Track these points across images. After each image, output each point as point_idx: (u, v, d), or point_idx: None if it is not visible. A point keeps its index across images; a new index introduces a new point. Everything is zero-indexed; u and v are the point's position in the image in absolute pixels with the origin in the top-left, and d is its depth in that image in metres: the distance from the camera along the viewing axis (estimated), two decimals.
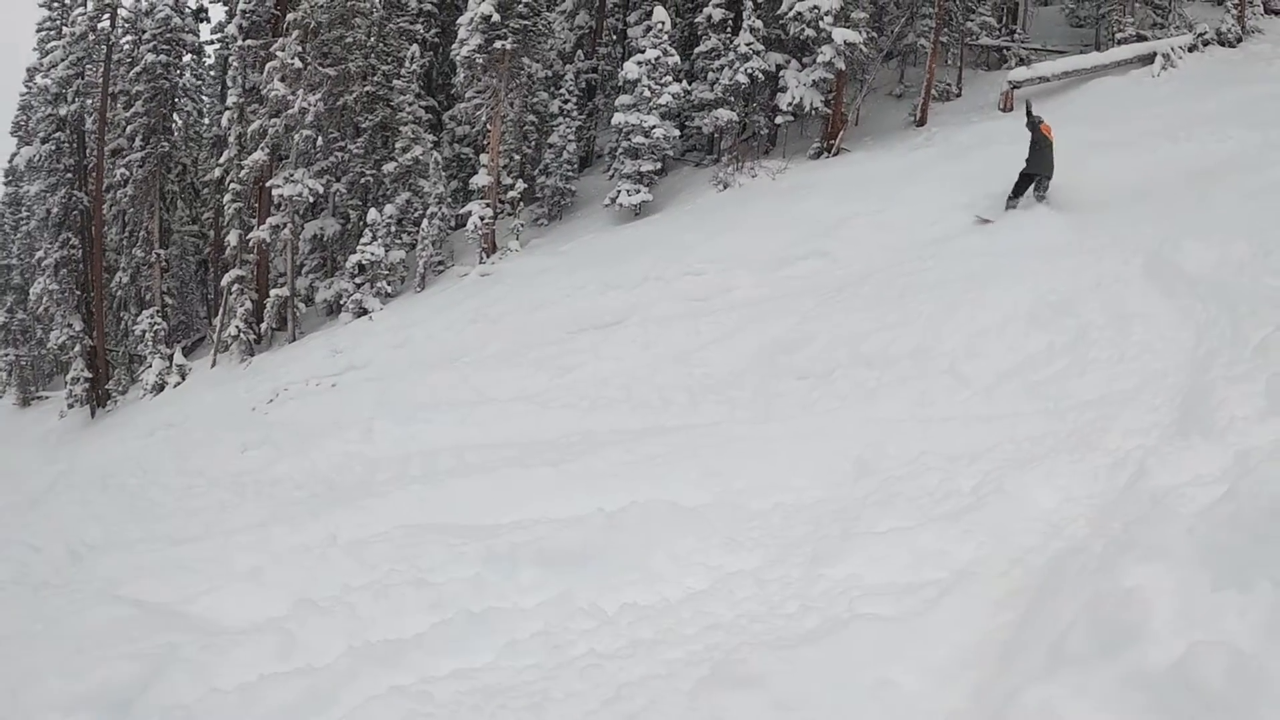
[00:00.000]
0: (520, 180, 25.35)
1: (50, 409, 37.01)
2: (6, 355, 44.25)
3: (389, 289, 24.38)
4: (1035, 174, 15.85)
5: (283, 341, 26.13)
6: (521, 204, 25.21)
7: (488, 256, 23.44)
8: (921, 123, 22.28)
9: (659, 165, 23.23)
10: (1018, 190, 15.92)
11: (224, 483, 15.07)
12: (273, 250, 27.41)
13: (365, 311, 23.81)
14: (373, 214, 24.98)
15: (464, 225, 24.09)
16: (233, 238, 27.90)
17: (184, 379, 28.24)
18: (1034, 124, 16.14)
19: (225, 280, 27.92)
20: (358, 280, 24.52)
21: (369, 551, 7.93)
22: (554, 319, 16.94)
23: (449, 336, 18.48)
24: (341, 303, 25.11)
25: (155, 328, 30.10)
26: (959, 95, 24.17)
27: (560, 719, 4.58)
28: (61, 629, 7.24)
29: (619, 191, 22.50)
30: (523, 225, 24.21)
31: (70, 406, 32.61)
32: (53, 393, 41.96)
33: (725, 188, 21.48)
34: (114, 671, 6.03)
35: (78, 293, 32.81)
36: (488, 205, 23.65)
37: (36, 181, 33.34)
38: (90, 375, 31.90)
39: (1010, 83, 21.66)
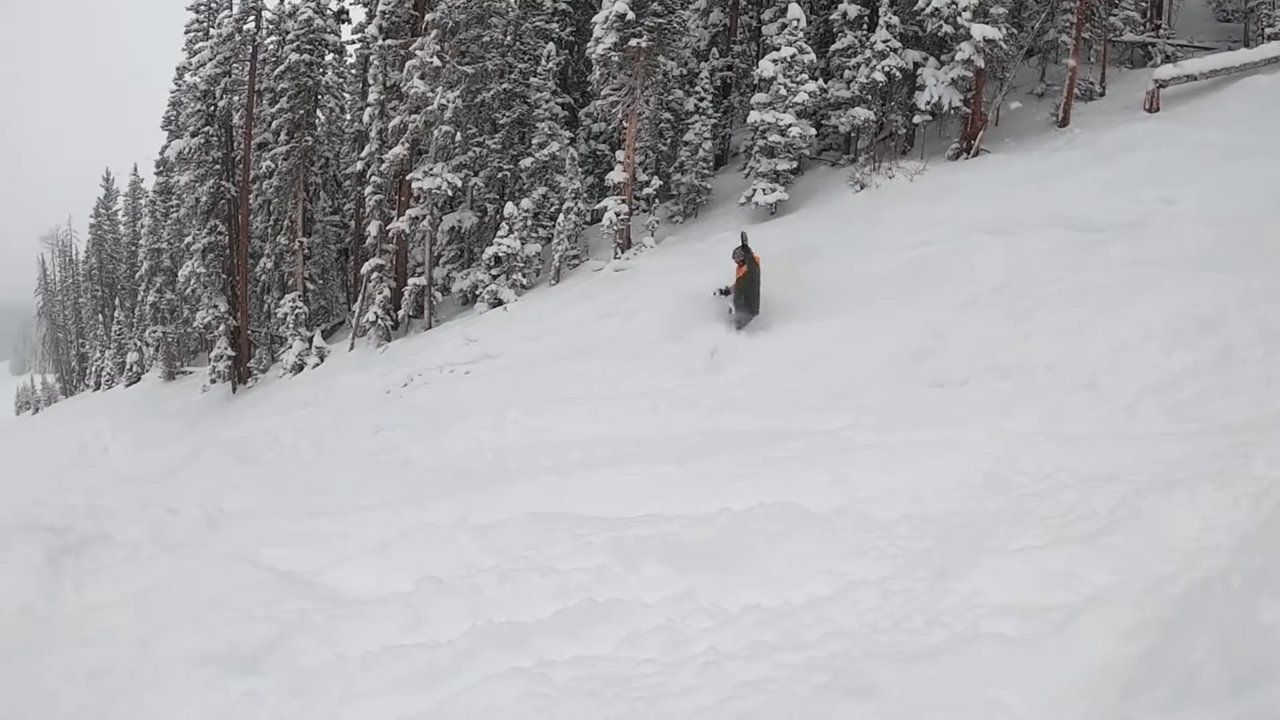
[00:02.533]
0: (656, 177, 25.60)
1: (193, 384, 38.49)
2: (155, 332, 46.16)
3: (524, 281, 24.71)
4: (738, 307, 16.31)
5: (419, 329, 26.73)
6: (657, 200, 25.42)
7: (622, 252, 23.70)
8: (1064, 123, 21.46)
9: (795, 164, 23.09)
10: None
11: (357, 461, 15.49)
12: (411, 241, 28.06)
13: (500, 302, 24.19)
14: (510, 207, 25.29)
15: (599, 220, 24.40)
16: (373, 228, 28.69)
17: (322, 361, 29.19)
18: (742, 258, 16.40)
19: (365, 268, 28.71)
20: (494, 271, 24.88)
21: (496, 535, 8.10)
22: (685, 319, 17.04)
23: (581, 330, 18.69)
24: (477, 293, 25.54)
25: (296, 311, 31.16)
26: (1102, 94, 23.35)
27: (674, 713, 4.67)
28: (196, 589, 7.51)
29: (754, 190, 22.42)
30: (658, 222, 24.39)
31: (213, 382, 34.26)
32: (196, 368, 43.63)
33: (862, 188, 21.16)
34: (244, 631, 6.32)
35: (224, 276, 34.29)
36: (623, 201, 23.89)
37: (186, 172, 34.68)
38: (233, 354, 33.35)
39: (1156, 81, 20.79)
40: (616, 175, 24.32)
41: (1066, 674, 4.25)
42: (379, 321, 27.28)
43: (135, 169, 66.64)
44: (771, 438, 10.99)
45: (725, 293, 16.81)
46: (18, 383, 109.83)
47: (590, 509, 8.87)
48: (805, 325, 15.14)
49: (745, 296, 16.17)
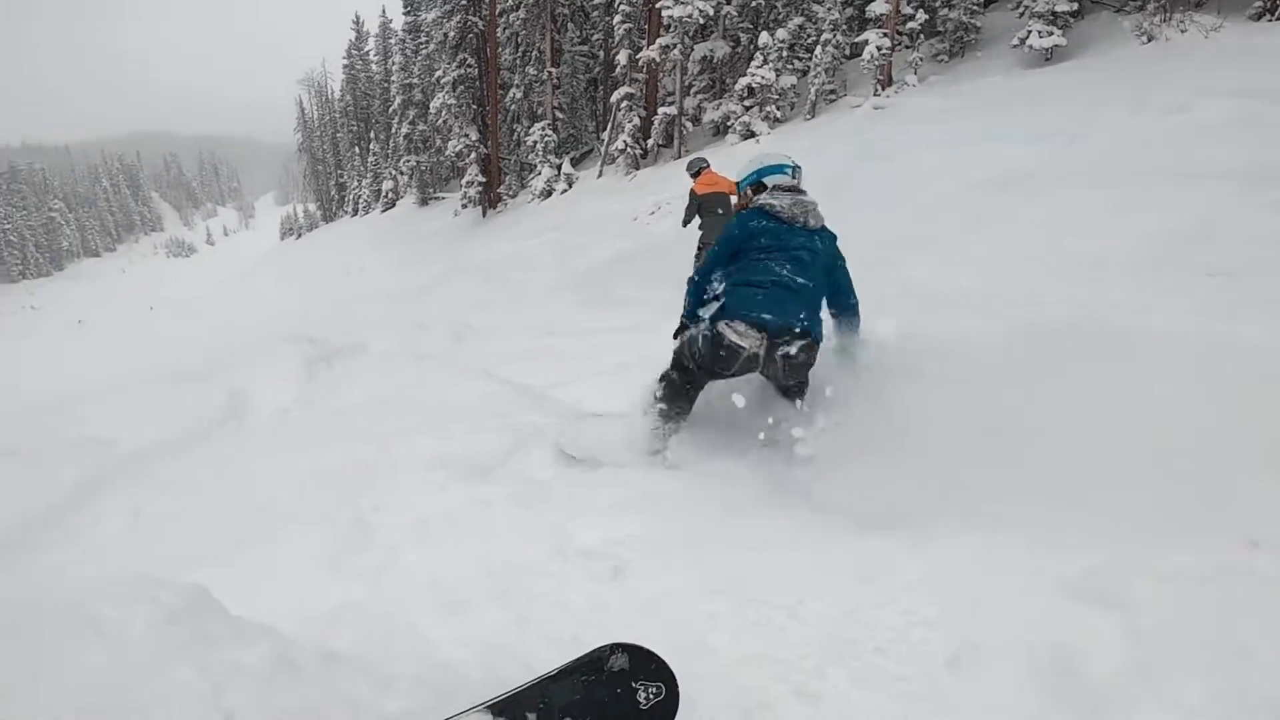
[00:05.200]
0: (921, 10, 24.27)
1: (445, 208, 40.18)
2: (408, 161, 48.06)
3: (777, 114, 24.04)
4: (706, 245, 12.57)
5: (667, 158, 26.61)
6: (921, 37, 24.10)
7: (882, 90, 22.60)
8: None
9: (1075, 6, 21.02)
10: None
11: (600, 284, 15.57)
12: (661, 70, 27.80)
13: (752, 135, 23.69)
14: (764, 37, 24.55)
15: (858, 55, 23.37)
16: (622, 57, 28.51)
17: (570, 187, 29.60)
18: (693, 173, 13.13)
19: (614, 97, 28.69)
20: (746, 103, 24.38)
21: None
22: (949, 165, 15.82)
23: (835, 167, 18.01)
24: (728, 124, 25.10)
25: (545, 139, 31.62)
26: None
27: None
28: (437, 397, 7.74)
29: (1029, 32, 20.71)
30: (921, 59, 23.09)
31: (464, 207, 35.86)
32: (448, 195, 45.65)
33: (1148, 40, 19.02)
34: (478, 440, 6.41)
35: (474, 106, 35.27)
36: (885, 35, 22.71)
37: (433, 9, 35.46)
38: (483, 180, 34.60)
39: None
40: (879, 7, 23.02)
41: None
42: (628, 150, 27.37)
43: (383, 10, 69.39)
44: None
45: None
46: (281, 212, 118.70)
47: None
48: (1088, 189, 13.92)
49: (710, 229, 12.70)
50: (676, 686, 3.16)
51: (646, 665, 3.14)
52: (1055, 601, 3.76)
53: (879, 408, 5.11)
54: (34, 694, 3.18)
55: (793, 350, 4.91)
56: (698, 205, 12.52)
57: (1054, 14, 20.55)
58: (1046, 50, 20.44)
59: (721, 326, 5.00)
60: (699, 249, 12.60)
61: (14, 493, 7.95)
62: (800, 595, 4.00)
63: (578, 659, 3.17)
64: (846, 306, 5.38)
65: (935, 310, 8.27)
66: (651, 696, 3.13)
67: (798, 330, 4.89)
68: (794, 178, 5.41)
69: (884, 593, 3.92)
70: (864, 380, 5.37)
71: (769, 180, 5.42)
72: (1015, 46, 21.06)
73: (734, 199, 10.82)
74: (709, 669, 3.65)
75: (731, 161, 21.12)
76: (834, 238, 5.26)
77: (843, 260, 5.30)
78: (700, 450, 5.55)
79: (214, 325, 24.59)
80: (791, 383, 5.22)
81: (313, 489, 6.25)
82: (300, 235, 79.43)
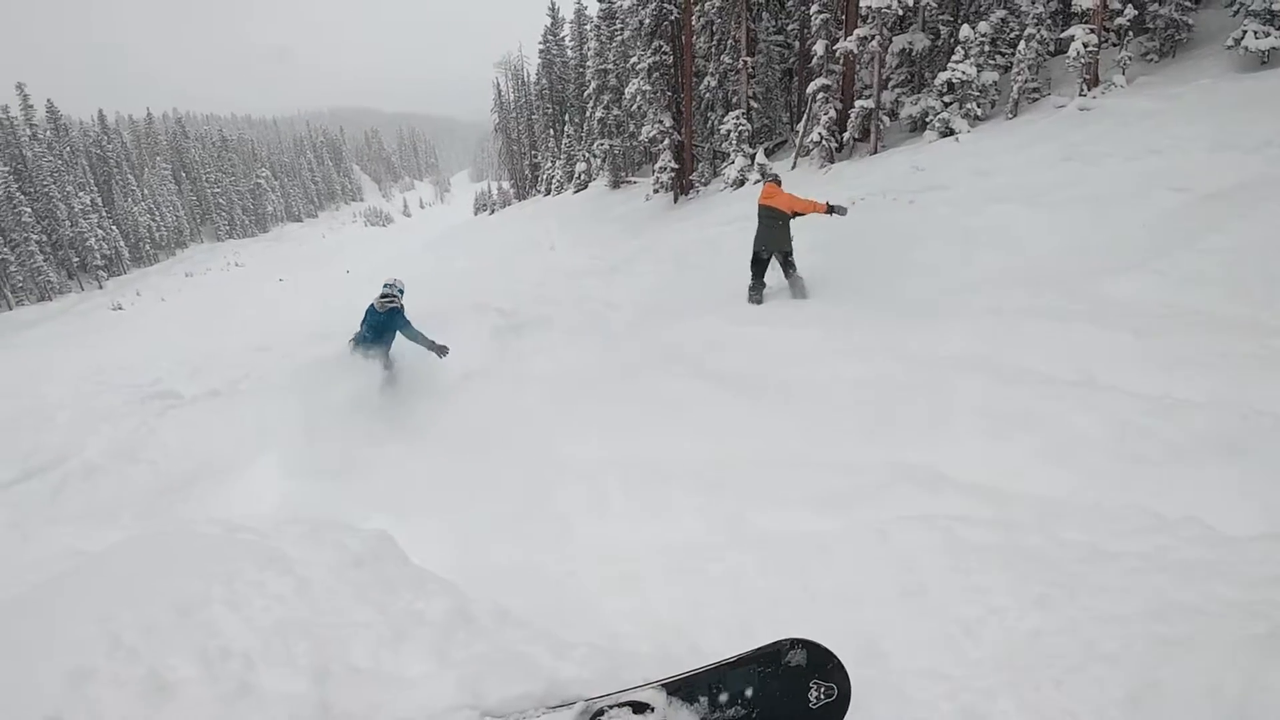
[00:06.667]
0: (1130, 6, 23.32)
1: (636, 192, 40.93)
2: (602, 145, 48.98)
3: (978, 111, 23.52)
4: (756, 251, 13.15)
5: (863, 152, 26.28)
6: (1129, 34, 23.18)
7: (1088, 89, 21.77)
8: None
9: None
10: (754, 274, 13.18)
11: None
12: (859, 62, 27.47)
13: (951, 132, 23.21)
14: (965, 30, 24.02)
15: (1063, 51, 22.60)
16: (819, 48, 28.23)
17: (763, 178, 29.50)
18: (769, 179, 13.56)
19: (810, 88, 28.46)
20: (945, 99, 23.90)
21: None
22: (1157, 172, 15.02)
23: (1037, 170, 17.49)
24: (927, 120, 24.68)
25: (739, 128, 31.79)
26: None
27: None
28: (616, 364, 8.13)
29: (1244, 32, 19.53)
30: (1130, 58, 22.13)
31: (655, 191, 36.65)
32: (640, 179, 46.62)
33: None
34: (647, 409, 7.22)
35: (668, 93, 35.66)
36: (1092, 31, 21.86)
37: None
38: (676, 166, 35.19)
39: None
40: (1085, 0, 22.26)
41: None
42: (823, 142, 27.20)
43: None
44: (1233, 327, 9.41)
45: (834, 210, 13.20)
46: (476, 188, 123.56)
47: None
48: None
49: (759, 234, 13.18)
50: (849, 690, 3.20)
51: (823, 665, 3.19)
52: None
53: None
54: (227, 609, 3.44)
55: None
56: (760, 212, 13.13)
57: (1271, 13, 19.31)
58: (1263, 53, 19.29)
59: (355, 346, 10.62)
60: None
61: (214, 431, 8.67)
62: None
63: (756, 650, 3.23)
64: (419, 347, 10.50)
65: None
66: (823, 697, 3.19)
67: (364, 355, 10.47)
68: (392, 289, 10.65)
69: None
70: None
71: (384, 289, 10.63)
72: (1229, 48, 19.91)
73: (791, 214, 12.88)
74: (880, 675, 3.65)
75: (929, 159, 20.78)
76: (394, 315, 10.52)
77: (401, 324, 10.52)
78: None
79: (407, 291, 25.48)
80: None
81: (493, 431, 6.64)
82: (493, 211, 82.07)
